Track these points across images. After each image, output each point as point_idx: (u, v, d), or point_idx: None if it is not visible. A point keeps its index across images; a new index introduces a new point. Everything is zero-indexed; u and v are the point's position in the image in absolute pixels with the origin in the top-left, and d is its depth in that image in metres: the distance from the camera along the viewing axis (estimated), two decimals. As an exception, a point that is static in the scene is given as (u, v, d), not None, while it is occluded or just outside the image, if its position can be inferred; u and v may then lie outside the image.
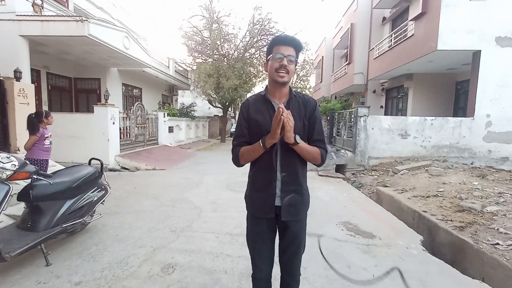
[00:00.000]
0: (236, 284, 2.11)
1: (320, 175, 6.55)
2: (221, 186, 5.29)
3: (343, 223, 3.46)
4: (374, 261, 2.52)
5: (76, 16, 6.46)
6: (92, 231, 3.04)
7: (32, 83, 6.19)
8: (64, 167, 3.02)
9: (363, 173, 6.75)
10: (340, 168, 7.18)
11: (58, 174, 2.73)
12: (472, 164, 6.76)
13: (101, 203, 3.05)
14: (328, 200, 4.54)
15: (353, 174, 6.87)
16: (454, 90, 9.81)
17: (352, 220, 3.59)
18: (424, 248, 2.83)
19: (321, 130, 1.38)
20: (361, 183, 6.11)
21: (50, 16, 6.33)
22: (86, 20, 6.01)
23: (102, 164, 3.16)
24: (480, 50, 7.03)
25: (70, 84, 9.77)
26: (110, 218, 3.45)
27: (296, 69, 1.34)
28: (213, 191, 4.96)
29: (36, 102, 6.28)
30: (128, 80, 11.32)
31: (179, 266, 2.34)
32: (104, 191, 3.09)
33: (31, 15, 6.04)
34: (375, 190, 5.27)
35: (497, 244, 2.54)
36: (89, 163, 3.15)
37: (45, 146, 3.59)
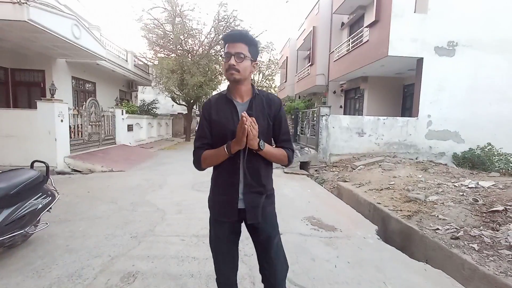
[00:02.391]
0: (204, 287, 2.06)
1: (285, 172, 6.74)
2: (186, 187, 5.12)
3: (308, 218, 3.61)
4: (336, 252, 2.68)
5: (13, -3, 5.62)
6: (36, 243, 2.69)
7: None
8: (-1, 172, 2.61)
9: (325, 170, 7.13)
10: (304, 165, 7.48)
11: (-9, 180, 2.35)
12: (417, 159, 7.60)
13: (48, 210, 2.71)
14: (293, 197, 4.70)
15: (316, 170, 7.21)
16: (402, 93, 10.91)
17: (315, 214, 3.77)
18: (378, 237, 3.10)
19: (287, 130, 1.37)
20: (323, 179, 6.45)
21: (-22, -5, 5.41)
22: (26, 3, 5.27)
23: (47, 167, 2.81)
24: (423, 58, 7.91)
25: (6, 76, 8.50)
26: (59, 226, 3.10)
27: (256, 64, 1.29)
28: (178, 192, 4.77)
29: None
30: (79, 73, 10.25)
31: (141, 274, 2.20)
32: (50, 197, 2.75)
33: (-48, -8, 5.10)
34: (336, 185, 5.61)
35: (437, 229, 2.89)
36: (32, 166, 2.77)
37: None
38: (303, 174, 6.73)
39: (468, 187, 3.96)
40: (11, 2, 5.25)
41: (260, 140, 1.18)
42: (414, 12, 7.80)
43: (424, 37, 7.83)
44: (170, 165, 7.62)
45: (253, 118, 1.13)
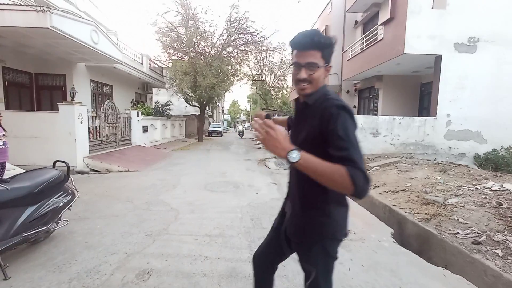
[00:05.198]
0: (216, 286, 2.08)
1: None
2: (199, 187, 5.19)
3: (320, 220, 3.55)
4: (349, 255, 2.62)
5: (37, 6, 5.93)
6: (57, 239, 2.82)
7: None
8: (24, 171, 2.76)
9: (338, 171, 6.99)
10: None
11: (18, 178, 2.49)
12: (435, 160, 7.31)
13: (68, 208, 2.84)
14: (306, 198, 4.64)
15: (329, 171, 7.10)
16: (419, 92, 10.55)
17: (328, 216, 3.70)
18: (394, 240, 3.01)
19: (344, 142, 0.92)
20: (336, 180, 6.32)
21: (6, 4, 5.76)
22: (48, 11, 5.55)
23: (68, 166, 2.94)
24: (441, 55, 7.61)
25: (31, 80, 8.97)
26: (79, 224, 3.23)
27: (330, 67, 1.13)
28: (191, 192, 4.84)
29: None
30: (98, 76, 10.66)
31: (155, 272, 2.26)
32: (71, 196, 2.88)
33: (-18, 3, 5.45)
34: (349, 187, 5.49)
35: (457, 233, 2.77)
36: (54, 165, 2.92)
37: None
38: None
39: (491, 190, 3.76)
40: (35, 11, 5.55)
41: (292, 150, 0.89)
42: (432, 8, 7.53)
43: (443, 34, 7.53)
44: (183, 165, 7.75)
45: (266, 120, 0.93)
